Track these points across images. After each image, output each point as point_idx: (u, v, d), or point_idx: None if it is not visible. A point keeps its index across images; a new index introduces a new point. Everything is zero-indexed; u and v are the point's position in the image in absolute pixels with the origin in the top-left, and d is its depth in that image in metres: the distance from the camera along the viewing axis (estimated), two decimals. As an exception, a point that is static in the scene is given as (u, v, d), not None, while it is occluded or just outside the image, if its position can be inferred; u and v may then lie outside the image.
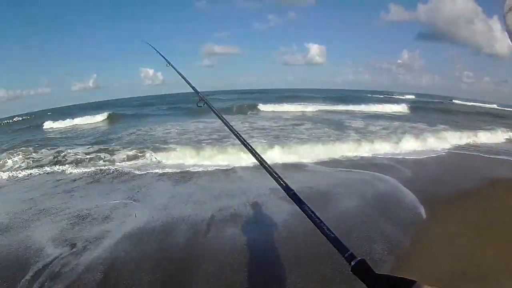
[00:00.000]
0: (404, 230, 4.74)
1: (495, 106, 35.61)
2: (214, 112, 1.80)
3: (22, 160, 9.05)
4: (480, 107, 33.26)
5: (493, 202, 5.80)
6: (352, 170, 7.71)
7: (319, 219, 0.85)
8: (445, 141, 10.89)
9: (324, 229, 0.82)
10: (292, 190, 0.99)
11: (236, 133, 1.46)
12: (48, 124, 20.32)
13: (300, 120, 16.95)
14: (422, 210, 5.35)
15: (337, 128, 14.06)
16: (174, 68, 2.79)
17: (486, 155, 9.61)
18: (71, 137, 14.93)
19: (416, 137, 10.86)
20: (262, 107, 23.56)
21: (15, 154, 9.43)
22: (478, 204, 5.68)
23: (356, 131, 13.30)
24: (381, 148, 9.79)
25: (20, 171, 8.34)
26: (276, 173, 1.10)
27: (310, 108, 23.78)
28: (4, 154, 9.59)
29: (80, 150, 10.05)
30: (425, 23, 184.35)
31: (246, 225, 4.82)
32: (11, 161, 9.05)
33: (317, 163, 8.30)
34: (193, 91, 2.39)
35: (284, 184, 1.04)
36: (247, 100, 29.73)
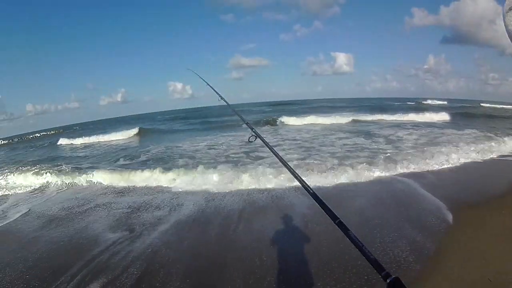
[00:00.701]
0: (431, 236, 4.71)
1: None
2: (267, 145, 1.92)
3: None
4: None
5: None
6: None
7: (361, 243, 0.96)
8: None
9: (365, 252, 0.94)
10: (338, 218, 1.12)
11: (288, 166, 1.66)
12: (63, 141, 21.93)
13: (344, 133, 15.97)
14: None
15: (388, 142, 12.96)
16: (225, 101, 3.10)
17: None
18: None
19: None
20: (290, 119, 22.73)
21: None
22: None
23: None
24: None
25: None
26: (324, 202, 1.22)
27: (343, 119, 22.23)
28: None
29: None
30: (449, 26, 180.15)
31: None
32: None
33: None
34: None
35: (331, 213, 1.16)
36: (275, 112, 29.85)
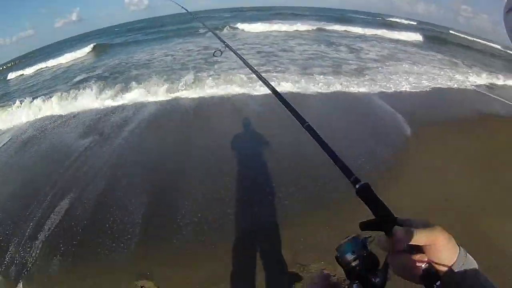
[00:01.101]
0: (391, 149, 5.09)
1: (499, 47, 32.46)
2: (240, 58, 1.83)
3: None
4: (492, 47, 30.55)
5: (482, 136, 5.96)
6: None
7: (330, 148, 0.92)
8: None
9: (334, 156, 0.88)
10: (306, 122, 1.06)
11: (259, 74, 1.55)
12: (13, 75, 18.13)
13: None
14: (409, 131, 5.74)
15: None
16: (184, 9, 2.94)
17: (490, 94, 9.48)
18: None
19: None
20: (251, 26, 21.73)
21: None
22: (467, 135, 5.87)
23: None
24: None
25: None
26: (292, 107, 1.16)
27: (306, 27, 21.57)
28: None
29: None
30: None
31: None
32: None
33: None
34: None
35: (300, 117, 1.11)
36: (236, 19, 28.68)
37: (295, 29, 20.93)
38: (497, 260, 3.08)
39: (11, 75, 18.07)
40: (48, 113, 7.95)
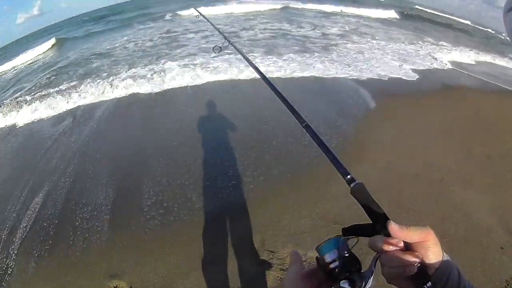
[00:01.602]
0: (356, 123, 5.24)
1: (468, 22, 32.99)
2: (243, 56, 1.79)
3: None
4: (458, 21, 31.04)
5: (449, 108, 6.16)
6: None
7: (327, 147, 0.92)
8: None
9: (332, 157, 0.87)
10: (305, 122, 1.08)
11: (263, 74, 1.55)
12: None
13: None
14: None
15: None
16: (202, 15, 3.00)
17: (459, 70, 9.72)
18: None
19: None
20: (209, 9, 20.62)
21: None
22: (435, 107, 6.06)
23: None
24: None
25: None
26: (292, 106, 1.19)
27: (264, 6, 20.89)
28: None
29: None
30: None
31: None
32: None
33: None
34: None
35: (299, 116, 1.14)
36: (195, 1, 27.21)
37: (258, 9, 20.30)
38: (474, 231, 3.26)
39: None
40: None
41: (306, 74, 7.86)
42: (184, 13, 19.53)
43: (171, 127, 5.52)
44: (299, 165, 4.18)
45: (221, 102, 6.22)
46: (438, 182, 3.90)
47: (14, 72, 14.26)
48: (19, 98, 8.45)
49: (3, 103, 8.34)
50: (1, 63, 17.19)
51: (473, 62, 11.32)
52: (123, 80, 8.14)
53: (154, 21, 19.05)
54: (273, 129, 5.01)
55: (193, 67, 8.36)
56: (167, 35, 13.48)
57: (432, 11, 35.04)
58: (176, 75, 7.99)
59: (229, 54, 8.89)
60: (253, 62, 1.68)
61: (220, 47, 2.17)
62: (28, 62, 15.86)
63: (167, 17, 19.63)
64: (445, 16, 32.86)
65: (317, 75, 7.79)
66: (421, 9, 35.69)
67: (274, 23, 14.85)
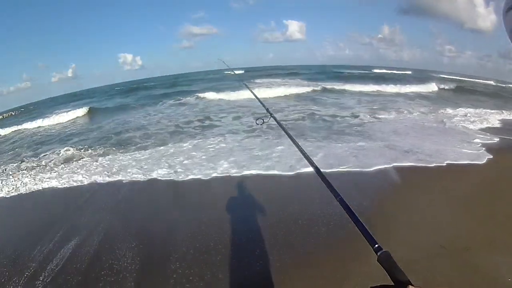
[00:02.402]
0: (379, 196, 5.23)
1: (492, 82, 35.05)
2: (283, 130, 1.85)
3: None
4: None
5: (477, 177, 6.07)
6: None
7: (359, 219, 1.02)
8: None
9: (363, 225, 0.99)
10: (339, 195, 1.16)
11: (303, 150, 1.61)
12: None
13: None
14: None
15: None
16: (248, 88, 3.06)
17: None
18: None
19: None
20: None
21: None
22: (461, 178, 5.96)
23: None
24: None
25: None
26: (328, 181, 1.27)
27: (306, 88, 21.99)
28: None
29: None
30: None
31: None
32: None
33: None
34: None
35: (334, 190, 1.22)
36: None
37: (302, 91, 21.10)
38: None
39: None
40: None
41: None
42: (209, 95, 20.82)
43: (202, 205, 5.47)
44: (325, 245, 4.10)
45: (248, 182, 6.17)
46: (464, 251, 3.77)
47: (54, 130, 15.39)
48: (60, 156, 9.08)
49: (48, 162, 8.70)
50: (42, 118, 18.66)
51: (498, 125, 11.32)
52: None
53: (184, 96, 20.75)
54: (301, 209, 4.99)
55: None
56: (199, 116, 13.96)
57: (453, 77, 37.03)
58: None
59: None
60: (293, 137, 1.72)
61: (263, 120, 2.26)
62: (63, 124, 17.15)
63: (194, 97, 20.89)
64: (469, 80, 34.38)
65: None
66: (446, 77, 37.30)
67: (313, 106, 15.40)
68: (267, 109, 2.30)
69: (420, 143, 8.37)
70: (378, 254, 0.85)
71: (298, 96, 19.60)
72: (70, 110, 20.06)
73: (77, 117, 18.65)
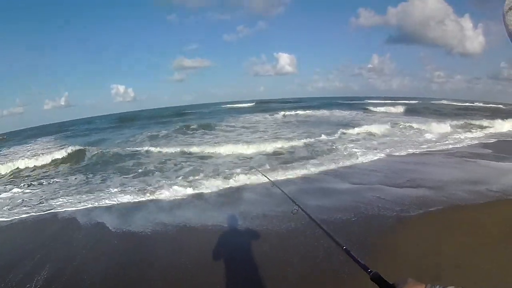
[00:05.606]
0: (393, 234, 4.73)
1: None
2: (313, 220, 1.89)
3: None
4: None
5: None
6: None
7: (365, 266, 1.19)
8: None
9: (363, 267, 1.19)
10: (344, 245, 1.37)
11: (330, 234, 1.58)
12: None
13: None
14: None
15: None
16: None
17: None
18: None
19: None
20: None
21: None
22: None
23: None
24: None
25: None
26: (330, 233, 1.53)
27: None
28: None
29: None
30: (395, 26, 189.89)
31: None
32: None
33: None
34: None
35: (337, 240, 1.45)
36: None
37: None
38: None
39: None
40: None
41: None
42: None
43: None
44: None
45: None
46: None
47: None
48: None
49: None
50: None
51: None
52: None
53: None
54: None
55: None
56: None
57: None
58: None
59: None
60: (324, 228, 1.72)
61: (297, 209, 2.23)
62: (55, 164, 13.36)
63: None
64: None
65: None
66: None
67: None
68: (297, 205, 2.26)
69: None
70: (370, 274, 1.12)
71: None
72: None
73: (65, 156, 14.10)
